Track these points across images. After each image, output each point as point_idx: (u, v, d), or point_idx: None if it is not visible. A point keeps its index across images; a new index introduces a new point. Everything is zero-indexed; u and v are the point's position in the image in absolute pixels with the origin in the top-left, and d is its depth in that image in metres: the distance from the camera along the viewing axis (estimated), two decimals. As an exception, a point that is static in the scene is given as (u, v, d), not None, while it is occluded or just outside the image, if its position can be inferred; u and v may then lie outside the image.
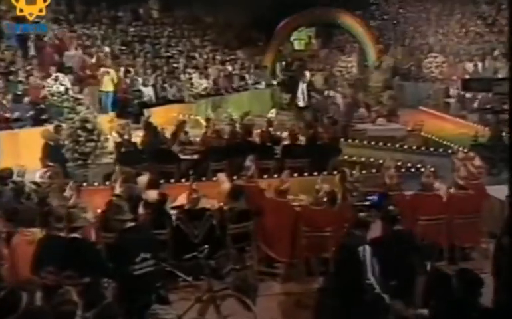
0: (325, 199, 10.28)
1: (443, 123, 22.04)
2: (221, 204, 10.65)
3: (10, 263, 7.79)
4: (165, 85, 22.68)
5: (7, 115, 16.34)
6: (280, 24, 29.69)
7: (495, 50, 25.74)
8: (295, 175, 13.07)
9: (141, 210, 9.68)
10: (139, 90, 21.18)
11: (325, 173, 13.25)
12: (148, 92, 21.49)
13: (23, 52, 19.72)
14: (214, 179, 12.29)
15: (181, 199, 10.73)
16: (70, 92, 17.61)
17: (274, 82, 26.73)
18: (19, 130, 16.18)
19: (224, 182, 11.06)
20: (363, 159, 14.85)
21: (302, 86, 22.92)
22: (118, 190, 10.09)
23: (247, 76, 27.40)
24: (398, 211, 8.20)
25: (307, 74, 24.44)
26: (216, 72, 25.80)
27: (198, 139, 16.06)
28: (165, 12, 30.03)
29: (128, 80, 21.38)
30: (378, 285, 7.23)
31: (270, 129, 16.65)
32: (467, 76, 24.47)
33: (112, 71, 20.45)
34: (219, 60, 27.64)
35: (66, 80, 17.73)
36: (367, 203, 8.80)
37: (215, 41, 29.92)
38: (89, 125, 13.74)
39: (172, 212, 10.20)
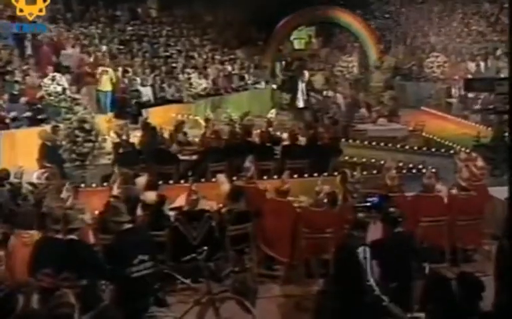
0: (325, 200, 10.28)
1: (444, 123, 22.03)
2: (220, 205, 10.66)
3: (7, 265, 7.78)
4: (164, 85, 22.68)
5: (4, 115, 16.32)
6: (280, 23, 29.70)
7: (498, 50, 25.75)
8: (295, 176, 13.08)
9: (139, 211, 9.69)
10: (137, 90, 21.17)
11: (325, 174, 13.25)
12: (147, 91, 21.49)
13: (20, 51, 19.70)
14: (213, 180, 12.29)
15: (180, 200, 10.72)
16: (68, 92, 17.59)
17: (275, 86, 26.68)
18: (16, 130, 16.17)
19: (223, 183, 11.05)
20: (364, 160, 14.84)
21: (301, 86, 22.91)
22: (115, 191, 10.08)
23: (246, 75, 27.39)
24: (399, 213, 8.20)
25: (306, 73, 24.44)
26: (215, 71, 25.79)
27: (197, 139, 16.05)
28: (164, 11, 30.03)
29: (126, 80, 21.36)
30: (378, 287, 7.24)
31: (270, 129, 16.64)
32: (469, 76, 24.45)
33: (110, 70, 20.45)
34: (219, 59, 27.63)
35: (63, 79, 17.71)
36: (367, 204, 8.79)
37: (215, 40, 29.92)
38: (87, 126, 13.72)
39: (171, 213, 10.19)
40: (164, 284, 8.49)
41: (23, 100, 17.30)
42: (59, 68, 19.17)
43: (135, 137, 15.57)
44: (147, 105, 20.81)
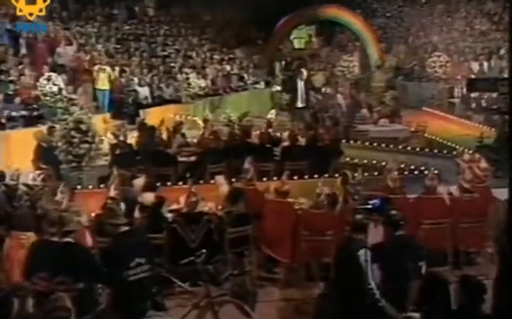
0: (325, 202, 10.28)
1: (447, 124, 22.04)
2: (219, 207, 10.66)
3: (3, 268, 7.78)
4: (162, 85, 22.66)
5: (-2, 115, 16.35)
6: (279, 23, 29.68)
7: (501, 49, 25.74)
8: (295, 177, 13.08)
9: (137, 213, 9.68)
10: (134, 90, 21.15)
11: (326, 175, 13.25)
12: (144, 92, 21.46)
13: (15, 50, 19.69)
14: (212, 181, 12.28)
15: (182, 201, 10.73)
16: (64, 92, 17.57)
17: (278, 88, 26.64)
18: (11, 131, 16.15)
19: (222, 185, 11.06)
20: (365, 161, 14.83)
21: (300, 84, 22.91)
22: (112, 193, 10.08)
23: (245, 75, 27.38)
24: (401, 216, 8.20)
25: (304, 71, 24.43)
26: (214, 71, 25.79)
27: (195, 140, 16.05)
28: (162, 10, 30.04)
29: (123, 80, 21.35)
30: (378, 291, 7.24)
31: (270, 130, 16.64)
32: (472, 76, 24.46)
33: (107, 68, 20.44)
34: (217, 59, 27.63)
35: (59, 79, 17.68)
36: (369, 206, 8.79)
37: (213, 40, 29.91)
38: (83, 127, 13.72)
39: (170, 215, 10.19)
40: (162, 288, 8.48)
41: (18, 100, 17.28)
42: (55, 68, 19.14)
43: (133, 138, 15.55)
44: (145, 105, 20.80)
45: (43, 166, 12.93)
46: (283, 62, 30.55)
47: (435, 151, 16.75)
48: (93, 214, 9.92)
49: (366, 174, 12.59)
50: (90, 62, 20.94)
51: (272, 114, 21.03)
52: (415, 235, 9.16)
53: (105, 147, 14.68)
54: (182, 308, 8.38)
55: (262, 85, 27.47)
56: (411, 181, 12.56)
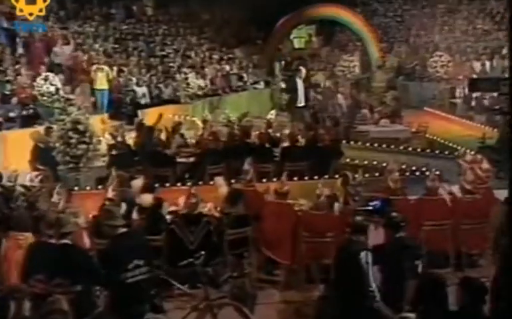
0: (326, 204, 10.28)
1: (449, 124, 22.04)
2: (218, 208, 10.65)
3: (1, 269, 7.78)
4: (160, 85, 22.65)
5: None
6: (279, 22, 29.69)
7: (503, 48, 25.72)
8: (295, 178, 13.08)
9: (135, 215, 9.69)
10: (133, 90, 21.14)
11: (326, 176, 13.25)
12: (142, 92, 21.46)
13: (11, 49, 19.68)
14: (211, 182, 12.29)
15: (181, 203, 10.72)
16: (61, 92, 17.57)
17: (283, 85, 26.60)
18: (7, 132, 16.15)
19: (221, 186, 11.06)
20: (365, 162, 14.83)
21: (299, 83, 22.92)
22: (110, 194, 10.09)
23: (245, 75, 27.38)
24: (401, 218, 8.20)
25: (303, 69, 24.45)
26: (213, 71, 25.77)
27: (194, 141, 16.04)
28: (160, 9, 30.00)
29: (121, 80, 21.35)
30: (379, 292, 7.25)
31: (270, 130, 16.64)
32: (474, 76, 24.46)
33: (105, 67, 20.42)
34: (216, 59, 27.62)
35: (56, 79, 17.68)
36: (369, 208, 8.79)
37: (212, 39, 29.90)
38: (81, 127, 13.70)
39: (169, 217, 10.19)
40: (160, 290, 8.48)
41: (15, 100, 17.28)
42: (52, 67, 19.13)
43: (131, 138, 15.55)
44: (143, 105, 20.79)
45: (40, 167, 12.94)
46: (283, 62, 30.55)
47: (437, 151, 16.75)
48: (91, 216, 9.91)
49: (366, 175, 12.59)
50: (87, 62, 20.92)
51: (272, 114, 21.02)
52: (415, 236, 9.18)
53: (103, 147, 14.67)
54: (181, 311, 8.38)
55: (261, 85, 27.47)
56: (412, 182, 12.56)
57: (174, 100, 22.29)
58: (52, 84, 17.38)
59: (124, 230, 7.53)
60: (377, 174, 13.36)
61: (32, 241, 7.80)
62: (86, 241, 8.94)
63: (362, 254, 7.32)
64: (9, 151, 15.34)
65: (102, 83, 20.04)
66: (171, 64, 24.67)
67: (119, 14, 27.29)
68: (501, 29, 28.01)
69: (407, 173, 13.69)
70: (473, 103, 23.53)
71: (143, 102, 21.08)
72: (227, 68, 27.09)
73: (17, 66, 18.76)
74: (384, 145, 17.42)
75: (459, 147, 16.33)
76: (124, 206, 9.55)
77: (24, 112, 16.90)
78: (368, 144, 17.81)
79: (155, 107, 20.85)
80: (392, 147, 17.32)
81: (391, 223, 8.21)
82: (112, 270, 7.13)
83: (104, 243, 7.84)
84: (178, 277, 9.22)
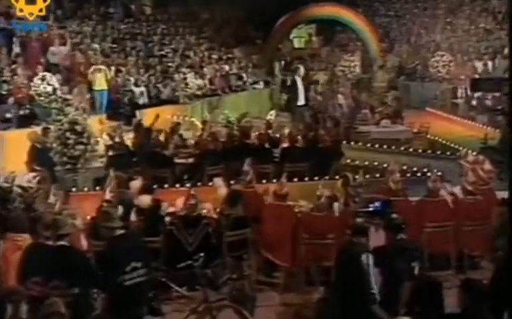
0: (326, 205, 10.28)
1: (450, 125, 22.06)
2: (217, 210, 10.65)
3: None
4: (159, 85, 22.65)
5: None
6: (279, 21, 29.70)
7: (506, 48, 25.72)
8: (295, 179, 13.09)
9: (133, 216, 9.68)
10: (131, 90, 21.13)
11: (326, 177, 13.25)
12: (140, 92, 21.45)
13: (8, 49, 19.67)
14: (210, 184, 12.28)
15: (180, 203, 10.72)
16: (58, 92, 17.55)
17: (282, 85, 26.60)
18: (4, 132, 16.13)
19: (220, 187, 11.07)
20: (366, 163, 14.85)
21: (298, 81, 22.94)
22: (108, 195, 10.08)
23: (244, 75, 27.38)
24: (402, 220, 8.20)
25: (301, 67, 24.47)
26: (212, 71, 25.75)
27: (193, 141, 16.04)
28: (159, 9, 29.99)
29: (119, 80, 21.33)
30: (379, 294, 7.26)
31: (269, 131, 16.64)
32: (476, 76, 24.47)
33: (104, 67, 20.41)
34: (215, 58, 27.62)
35: (53, 79, 17.67)
36: (370, 209, 8.79)
37: (211, 39, 29.89)
38: (78, 128, 13.69)
39: (167, 218, 10.19)
40: (159, 292, 8.49)
41: (12, 100, 17.27)
42: (49, 67, 19.13)
43: (129, 139, 15.54)
44: (142, 106, 20.78)
45: (37, 168, 12.93)
46: (282, 62, 30.56)
47: (438, 152, 16.77)
48: (88, 217, 9.91)
49: (367, 176, 12.61)
50: (85, 62, 20.89)
51: (271, 115, 21.03)
52: (417, 238, 9.18)
53: (101, 148, 14.67)
54: (179, 313, 8.38)
55: (261, 85, 27.47)
56: (413, 183, 12.57)
57: (173, 100, 22.29)
58: (49, 84, 17.36)
59: (122, 232, 7.52)
60: (378, 175, 13.38)
61: (29, 243, 7.79)
62: (84, 243, 8.93)
63: (363, 256, 7.32)
64: (7, 151, 15.32)
65: (100, 84, 20.02)
66: (169, 64, 24.65)
67: (117, 14, 27.28)
68: (503, 28, 27.95)
69: (409, 174, 13.72)
70: (475, 103, 23.52)
71: (141, 102, 21.07)
72: (226, 68, 27.08)
73: (14, 66, 18.74)
74: (385, 146, 17.43)
75: (460, 148, 16.32)
76: (120, 208, 9.54)
77: (21, 112, 16.87)
78: (368, 145, 17.82)
79: (153, 108, 20.87)
80: (393, 147, 17.33)
81: (392, 225, 8.21)
82: (109, 272, 7.14)
83: (102, 245, 7.84)
84: (176, 279, 9.22)
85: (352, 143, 17.96)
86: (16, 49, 19.98)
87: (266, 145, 15.09)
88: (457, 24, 30.83)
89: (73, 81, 19.81)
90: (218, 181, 11.43)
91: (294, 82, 23.25)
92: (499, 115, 19.63)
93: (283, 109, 24.39)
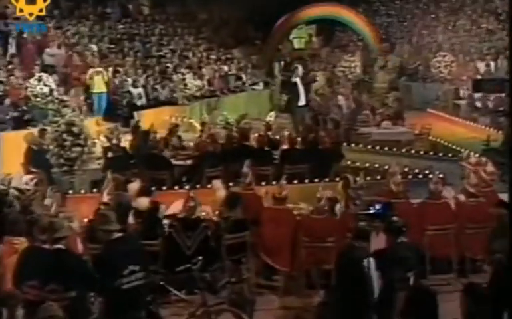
0: (326, 208, 10.28)
1: (452, 126, 22.05)
2: (216, 212, 10.65)
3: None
4: (157, 86, 22.65)
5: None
6: (278, 22, 29.70)
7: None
8: (295, 181, 13.08)
9: (131, 219, 9.68)
10: (128, 92, 21.12)
11: (327, 179, 13.25)
12: (138, 93, 21.44)
13: (4, 50, 19.67)
14: (209, 186, 12.28)
15: (174, 207, 10.71)
16: (55, 93, 17.55)
17: (282, 86, 26.58)
18: (0, 133, 16.12)
19: (219, 189, 11.07)
20: (367, 165, 14.84)
21: (298, 81, 22.95)
22: (105, 198, 10.08)
23: (243, 76, 27.38)
24: (402, 222, 8.20)
25: (300, 67, 24.49)
26: (211, 72, 25.77)
27: (192, 143, 16.04)
28: (157, 9, 30.00)
29: (116, 81, 21.33)
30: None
31: (269, 132, 16.64)
32: (479, 76, 24.47)
33: (102, 70, 20.41)
34: (214, 59, 27.63)
35: (50, 80, 17.67)
36: (370, 212, 8.79)
37: (210, 39, 29.90)
38: (75, 129, 13.70)
39: (165, 221, 10.18)
40: (157, 296, 8.48)
41: (7, 101, 17.26)
42: (46, 68, 19.12)
43: (127, 141, 15.54)
44: (139, 107, 20.78)
45: (33, 170, 12.93)
46: (282, 63, 30.55)
47: (440, 154, 16.76)
48: (85, 220, 9.91)
49: (368, 178, 12.61)
50: (82, 65, 20.87)
51: (271, 116, 21.03)
52: (417, 241, 9.18)
53: (98, 150, 14.67)
54: (178, 317, 8.40)
55: (260, 86, 27.47)
56: (415, 186, 12.56)
57: (171, 102, 22.28)
58: (45, 85, 17.36)
59: (119, 235, 7.52)
60: (379, 177, 13.39)
61: (25, 246, 7.79)
62: (81, 246, 8.93)
63: (365, 260, 7.32)
64: (3, 153, 15.29)
65: (99, 87, 20.02)
66: (167, 65, 24.65)
67: (114, 14, 27.28)
68: (506, 28, 28.00)
69: (410, 176, 13.70)
70: (478, 104, 23.52)
71: (139, 103, 21.07)
72: (225, 68, 27.10)
73: (10, 67, 18.73)
74: (386, 148, 17.41)
75: (463, 150, 16.28)
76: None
77: (16, 114, 16.86)
78: (369, 146, 17.80)
79: (151, 109, 20.88)
80: (394, 149, 17.31)
81: (392, 228, 8.20)
82: (107, 275, 7.12)
83: (99, 248, 7.84)
84: (175, 283, 9.22)
85: (353, 144, 17.95)
86: (12, 50, 19.98)
87: (266, 147, 15.09)
88: (459, 24, 30.82)
89: (70, 82, 19.81)
90: (217, 183, 11.43)
91: (294, 83, 23.25)
92: (502, 116, 19.63)
93: (283, 110, 24.38)
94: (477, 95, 23.30)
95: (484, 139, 16.92)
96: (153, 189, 11.18)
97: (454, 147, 17.51)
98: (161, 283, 9.19)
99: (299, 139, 15.52)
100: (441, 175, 11.94)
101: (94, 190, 12.68)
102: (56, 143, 13.69)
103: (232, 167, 13.28)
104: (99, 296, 7.40)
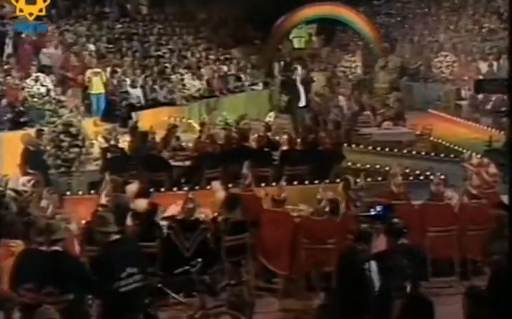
0: (327, 209, 10.26)
1: (454, 127, 22.06)
2: (215, 214, 10.64)
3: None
4: (155, 86, 22.65)
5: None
6: (278, 21, 29.71)
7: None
8: (295, 183, 13.08)
9: (129, 221, 9.66)
10: (127, 92, 21.12)
11: (327, 180, 13.24)
12: (137, 93, 21.44)
13: (0, 50, 19.66)
14: (208, 187, 12.27)
15: (173, 209, 10.70)
16: (52, 94, 17.54)
17: (281, 86, 26.61)
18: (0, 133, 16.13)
19: (218, 190, 11.05)
20: (368, 166, 14.83)
21: (298, 82, 22.96)
22: (103, 199, 10.06)
23: (243, 76, 27.38)
24: (403, 224, 8.19)
25: (299, 67, 24.49)
26: (210, 72, 25.78)
27: (191, 144, 16.03)
28: (155, 8, 30.03)
29: (114, 81, 21.32)
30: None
31: (269, 133, 16.64)
32: (481, 76, 24.46)
33: (100, 70, 20.40)
34: (213, 59, 27.63)
35: (47, 80, 17.66)
36: (371, 213, 8.78)
37: (209, 39, 29.92)
38: (73, 130, 13.67)
39: (163, 223, 10.17)
40: (155, 299, 8.47)
41: (4, 101, 17.25)
42: (43, 68, 19.11)
43: (125, 141, 15.53)
44: (138, 107, 20.77)
45: (30, 171, 12.91)
46: (282, 63, 30.56)
47: (442, 155, 16.75)
48: (83, 222, 9.90)
49: (368, 179, 12.60)
50: (79, 65, 20.86)
51: (270, 117, 21.03)
52: (418, 243, 9.17)
53: (96, 151, 14.65)
54: (176, 320, 8.38)
55: (260, 86, 27.47)
56: (416, 187, 12.55)
57: (170, 102, 22.28)
58: (43, 85, 17.34)
59: (117, 237, 7.51)
60: (380, 178, 13.37)
61: (21, 249, 7.78)
62: (78, 248, 8.92)
63: (366, 263, 7.32)
64: (1, 154, 15.27)
65: (98, 87, 20.01)
66: (166, 65, 24.65)
67: (112, 13, 27.29)
68: (508, 28, 27.96)
69: (411, 178, 13.71)
70: (479, 105, 23.52)
71: (137, 103, 21.06)
72: (225, 68, 27.12)
73: (6, 67, 18.73)
74: (387, 149, 17.41)
75: (464, 151, 16.27)
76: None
77: (13, 114, 16.85)
78: (370, 147, 17.79)
79: (150, 109, 20.88)
80: (395, 150, 17.31)
81: (393, 229, 8.20)
82: (104, 278, 7.11)
83: (97, 250, 7.83)
84: (173, 285, 9.21)
85: (353, 145, 17.96)
86: (9, 50, 19.98)
87: (266, 148, 15.08)
88: (461, 23, 30.83)
89: (67, 83, 19.81)
90: (216, 184, 11.41)
91: (294, 83, 23.27)
92: (504, 116, 19.61)
93: (283, 111, 24.40)
94: (479, 95, 23.27)
95: (486, 139, 16.90)
96: (151, 190, 11.15)
97: (456, 148, 17.52)
98: (160, 285, 9.18)
99: (299, 140, 15.51)
100: (442, 177, 11.92)
101: (92, 191, 12.67)
102: (53, 144, 13.67)
103: (231, 168, 13.27)
104: (96, 298, 7.39)
